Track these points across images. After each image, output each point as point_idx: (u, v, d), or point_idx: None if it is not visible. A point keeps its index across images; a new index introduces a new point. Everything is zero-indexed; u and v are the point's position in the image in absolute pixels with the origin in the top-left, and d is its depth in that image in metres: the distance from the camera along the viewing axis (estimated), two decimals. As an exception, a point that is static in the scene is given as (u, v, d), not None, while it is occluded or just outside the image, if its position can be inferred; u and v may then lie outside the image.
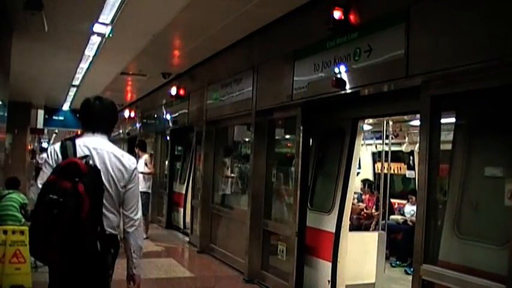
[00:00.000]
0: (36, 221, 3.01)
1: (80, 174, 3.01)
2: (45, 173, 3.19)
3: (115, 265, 3.40)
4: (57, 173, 3.04)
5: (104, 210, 3.21)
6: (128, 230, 3.36)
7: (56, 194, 2.92)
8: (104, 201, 3.21)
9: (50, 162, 3.26)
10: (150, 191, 11.03)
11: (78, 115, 3.89)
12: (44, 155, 4.13)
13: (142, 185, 10.35)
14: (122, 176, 3.31)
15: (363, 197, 9.88)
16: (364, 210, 9.30)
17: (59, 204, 2.89)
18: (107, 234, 3.22)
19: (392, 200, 9.45)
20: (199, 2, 6.41)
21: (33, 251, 3.13)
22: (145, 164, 10.88)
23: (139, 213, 3.41)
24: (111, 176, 3.28)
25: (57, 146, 3.32)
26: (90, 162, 3.19)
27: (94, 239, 3.07)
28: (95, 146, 3.30)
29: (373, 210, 9.03)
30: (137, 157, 10.84)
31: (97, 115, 3.44)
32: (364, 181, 9.94)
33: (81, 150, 3.25)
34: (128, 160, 3.38)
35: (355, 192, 8.28)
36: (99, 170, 3.20)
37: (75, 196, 2.93)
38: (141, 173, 10.83)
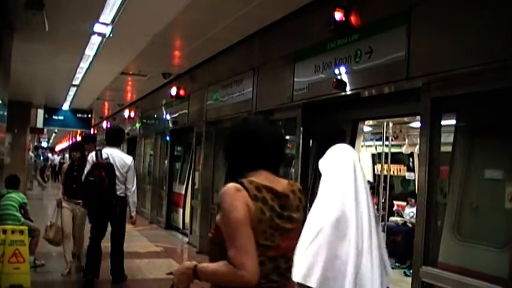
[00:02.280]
0: (85, 190, 6.51)
1: (102, 167, 6.48)
2: (88, 167, 6.58)
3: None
4: (93, 167, 6.51)
5: (116, 185, 6.57)
6: (128, 194, 6.74)
7: (92, 177, 6.42)
8: (116, 180, 6.56)
9: (90, 161, 6.63)
10: None
11: (105, 136, 7.66)
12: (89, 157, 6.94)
13: None
14: (124, 167, 6.70)
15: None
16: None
17: (94, 182, 6.40)
18: (117, 195, 6.58)
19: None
20: (200, 2, 6.41)
21: (85, 205, 6.73)
22: None
23: (134, 186, 6.81)
24: (119, 167, 6.64)
25: (93, 153, 6.73)
26: (109, 161, 6.57)
27: (111, 197, 6.50)
28: (111, 153, 6.70)
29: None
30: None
31: (112, 136, 7.11)
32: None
33: (104, 155, 6.62)
34: (127, 159, 6.86)
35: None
36: (112, 164, 6.57)
37: (101, 177, 6.39)
38: None
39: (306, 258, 3.45)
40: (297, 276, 3.38)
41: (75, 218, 7.50)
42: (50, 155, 28.89)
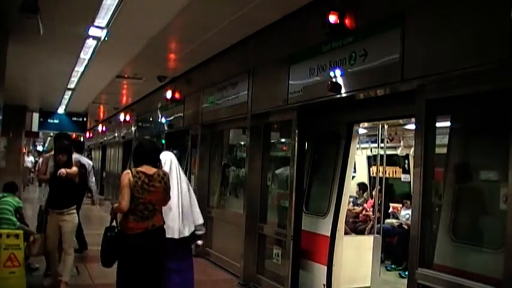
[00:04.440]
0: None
1: (82, 167, 8.22)
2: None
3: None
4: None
5: None
6: (91, 185, 9.44)
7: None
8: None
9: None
10: None
11: (74, 148, 8.04)
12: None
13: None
14: (89, 167, 9.28)
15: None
16: (364, 212, 9.29)
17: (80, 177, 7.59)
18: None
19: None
20: (195, 5, 6.41)
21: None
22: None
23: (94, 179, 9.67)
24: (87, 167, 9.10)
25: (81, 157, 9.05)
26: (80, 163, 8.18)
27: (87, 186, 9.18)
28: (80, 157, 8.56)
29: (370, 213, 9.00)
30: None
31: (79, 146, 9.40)
32: (360, 185, 9.95)
33: (77, 159, 7.77)
34: (90, 161, 9.96)
35: (350, 196, 8.28)
36: (84, 165, 8.84)
37: (82, 173, 8.12)
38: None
39: None
40: None
41: (62, 231, 6.64)
42: (26, 157, 27.68)
